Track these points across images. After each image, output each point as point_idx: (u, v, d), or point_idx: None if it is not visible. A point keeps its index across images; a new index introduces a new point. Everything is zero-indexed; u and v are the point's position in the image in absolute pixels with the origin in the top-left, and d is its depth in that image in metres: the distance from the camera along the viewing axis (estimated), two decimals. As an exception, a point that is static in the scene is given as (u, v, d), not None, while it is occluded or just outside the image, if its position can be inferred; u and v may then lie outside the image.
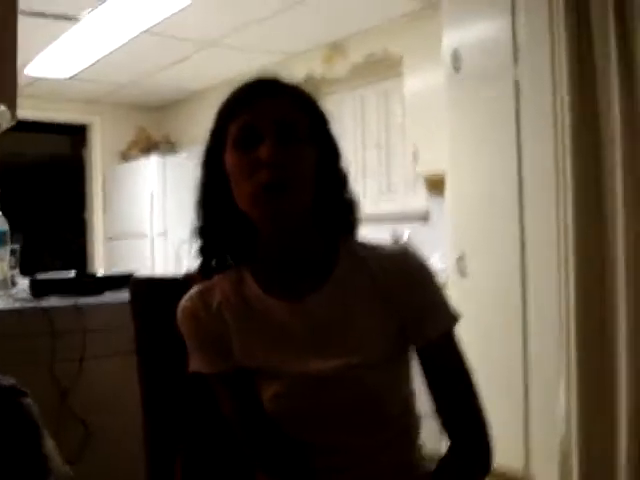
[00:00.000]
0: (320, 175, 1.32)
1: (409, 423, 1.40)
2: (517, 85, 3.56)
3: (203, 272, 1.40)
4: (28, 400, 1.07)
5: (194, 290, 1.39)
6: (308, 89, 1.40)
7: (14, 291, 2.19)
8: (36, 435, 1.06)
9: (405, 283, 1.33)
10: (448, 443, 1.34)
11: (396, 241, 5.16)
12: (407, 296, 1.33)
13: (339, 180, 1.38)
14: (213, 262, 1.40)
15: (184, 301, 1.38)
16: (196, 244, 1.39)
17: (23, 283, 2.36)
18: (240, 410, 1.37)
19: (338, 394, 1.30)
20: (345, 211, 1.39)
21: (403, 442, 1.38)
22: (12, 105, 2.16)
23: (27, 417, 1.06)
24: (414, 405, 1.42)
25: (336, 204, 1.37)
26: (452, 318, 1.35)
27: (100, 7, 4.49)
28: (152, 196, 6.64)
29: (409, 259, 1.36)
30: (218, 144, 1.33)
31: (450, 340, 1.35)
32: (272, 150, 1.25)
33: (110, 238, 7.46)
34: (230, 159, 1.30)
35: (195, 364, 1.37)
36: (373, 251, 1.37)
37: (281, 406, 1.33)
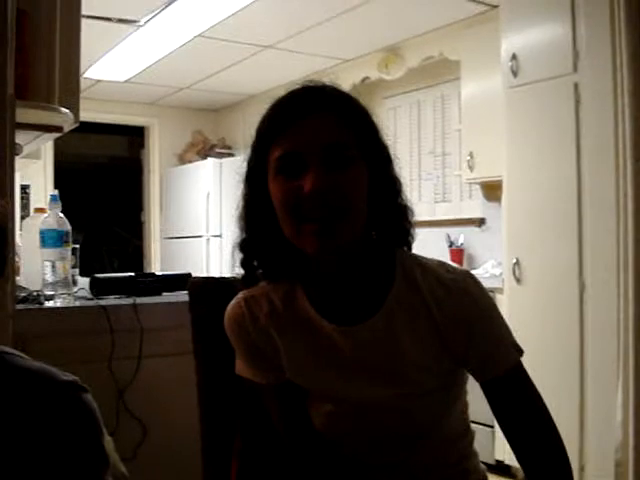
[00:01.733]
0: (373, 187, 1.24)
1: (463, 436, 1.39)
2: (577, 90, 3.52)
3: (246, 284, 1.36)
4: (88, 396, 1.09)
5: (240, 297, 1.36)
6: (353, 96, 1.30)
7: (75, 290, 2.23)
8: (96, 431, 1.08)
9: (463, 322, 1.24)
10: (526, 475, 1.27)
11: (450, 244, 5.13)
12: (466, 334, 1.24)
13: (392, 188, 1.30)
14: (258, 272, 1.35)
15: (230, 308, 1.36)
16: (239, 256, 1.33)
17: (83, 282, 2.40)
18: (287, 421, 1.38)
19: (391, 420, 1.29)
20: (399, 217, 1.31)
21: (457, 454, 1.37)
22: (75, 108, 2.20)
23: (87, 412, 1.07)
24: (467, 417, 1.41)
25: (390, 212, 1.29)
26: (515, 351, 1.27)
27: (162, 12, 4.55)
28: (208, 198, 6.71)
29: (466, 292, 1.26)
30: (260, 163, 1.25)
31: (517, 374, 1.27)
32: (316, 181, 1.17)
33: (166, 238, 7.55)
34: (273, 187, 1.23)
35: (243, 371, 1.37)
36: (429, 276, 1.27)
37: (333, 425, 1.33)
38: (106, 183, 9.06)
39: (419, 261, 1.31)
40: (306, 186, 1.17)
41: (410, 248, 1.36)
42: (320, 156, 1.18)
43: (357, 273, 1.29)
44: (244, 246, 1.32)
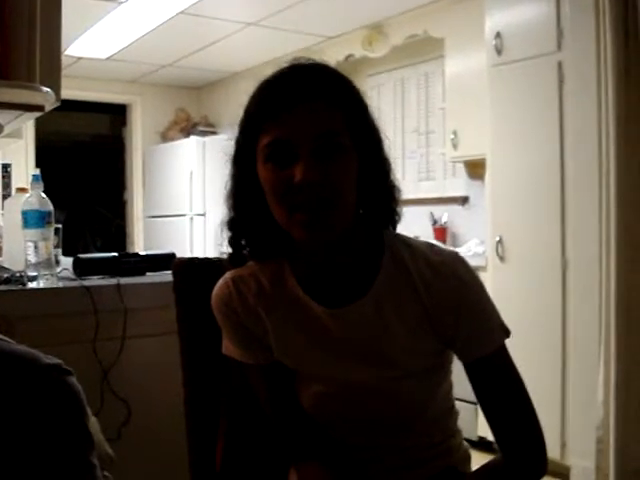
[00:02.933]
0: (363, 169, 1.22)
1: (448, 416, 1.41)
2: (560, 69, 3.53)
3: (234, 263, 1.35)
4: (73, 379, 1.09)
5: (227, 277, 1.35)
6: (344, 76, 1.28)
7: (58, 270, 2.22)
8: (80, 413, 1.08)
9: (451, 304, 1.24)
10: (500, 454, 1.30)
11: (434, 222, 5.14)
12: (455, 316, 1.24)
13: (382, 169, 1.29)
14: (245, 252, 1.34)
15: (217, 288, 1.35)
16: (227, 234, 1.32)
17: (66, 262, 2.39)
18: (274, 402, 1.38)
19: (378, 402, 1.29)
20: (388, 198, 1.30)
21: (442, 434, 1.39)
22: (56, 87, 2.17)
23: (71, 395, 1.07)
24: (452, 397, 1.42)
25: (379, 193, 1.28)
26: (502, 333, 1.28)
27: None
28: (191, 176, 6.68)
29: (454, 274, 1.26)
30: (249, 147, 1.23)
31: (501, 355, 1.28)
32: (307, 171, 1.15)
33: (149, 217, 7.52)
34: (262, 174, 1.21)
35: (230, 350, 1.37)
36: (417, 258, 1.27)
37: (321, 406, 1.33)
38: (88, 161, 9.00)
39: (407, 243, 1.31)
40: (296, 176, 1.15)
41: (395, 227, 1.35)
42: (311, 146, 1.16)
43: (345, 256, 1.28)
44: (232, 225, 1.31)
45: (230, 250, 1.35)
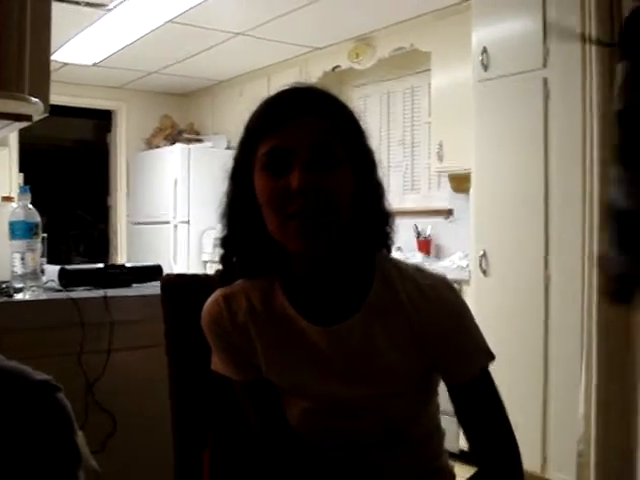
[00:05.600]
0: (356, 189, 1.25)
1: (435, 436, 1.42)
2: (546, 84, 3.55)
3: (223, 281, 1.36)
4: (62, 395, 1.10)
5: (218, 294, 1.36)
6: (343, 101, 1.32)
7: (43, 281, 2.21)
8: (69, 429, 1.09)
9: (439, 327, 1.27)
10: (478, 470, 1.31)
11: (418, 234, 5.14)
12: (441, 340, 1.27)
13: (375, 192, 1.31)
14: (235, 271, 1.35)
15: (208, 305, 1.36)
16: (220, 252, 1.34)
17: (51, 271, 2.38)
18: (262, 418, 1.39)
19: (365, 419, 1.31)
20: (381, 223, 1.33)
21: (428, 454, 1.40)
22: (45, 96, 2.18)
23: (60, 411, 1.08)
24: (438, 417, 1.43)
25: (373, 216, 1.30)
26: (486, 357, 1.30)
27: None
28: (176, 183, 6.66)
29: (442, 298, 1.28)
30: (247, 160, 1.26)
31: (485, 379, 1.30)
32: (303, 179, 1.17)
33: (133, 224, 7.49)
34: (259, 183, 1.24)
35: (219, 367, 1.38)
36: (407, 281, 1.29)
37: (308, 423, 1.34)
38: (71, 166, 8.95)
39: (397, 265, 1.33)
40: (292, 184, 1.18)
41: (390, 251, 1.37)
42: (307, 155, 1.19)
43: (336, 273, 1.30)
44: (225, 242, 1.33)
45: (221, 267, 1.36)
